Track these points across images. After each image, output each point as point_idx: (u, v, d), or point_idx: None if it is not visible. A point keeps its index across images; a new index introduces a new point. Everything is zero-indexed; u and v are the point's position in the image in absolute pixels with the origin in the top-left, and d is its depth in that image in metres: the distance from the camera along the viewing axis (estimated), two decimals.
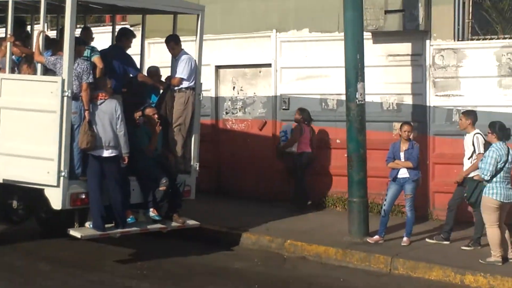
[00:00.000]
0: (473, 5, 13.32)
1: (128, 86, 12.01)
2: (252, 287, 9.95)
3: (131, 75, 12.02)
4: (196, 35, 12.07)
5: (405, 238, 11.69)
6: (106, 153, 10.70)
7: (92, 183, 10.66)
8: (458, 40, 13.26)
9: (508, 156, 10.57)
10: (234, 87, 15.59)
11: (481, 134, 11.35)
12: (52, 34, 13.63)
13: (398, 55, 13.72)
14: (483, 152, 11.04)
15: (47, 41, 11.33)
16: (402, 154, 11.68)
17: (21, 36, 12.20)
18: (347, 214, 12.14)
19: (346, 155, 12.15)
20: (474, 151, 11.36)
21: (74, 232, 10.80)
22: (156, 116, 11.54)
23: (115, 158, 10.78)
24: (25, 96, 10.83)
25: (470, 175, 11.29)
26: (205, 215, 12.67)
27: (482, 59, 13.01)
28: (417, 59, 13.53)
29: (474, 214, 11.49)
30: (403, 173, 11.66)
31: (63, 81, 10.44)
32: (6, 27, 11.33)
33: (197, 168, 12.10)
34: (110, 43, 12.76)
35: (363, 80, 11.87)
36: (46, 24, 12.31)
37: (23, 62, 11.46)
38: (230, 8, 15.34)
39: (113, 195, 10.79)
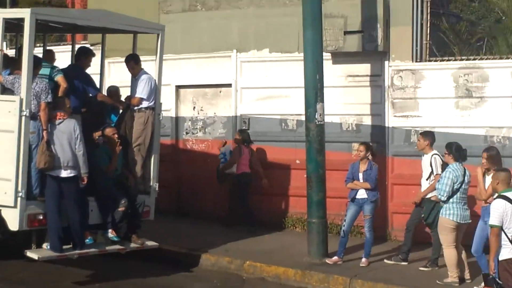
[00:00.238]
0: (430, 26, 13.46)
1: (88, 105, 11.96)
2: None
3: (90, 95, 11.98)
4: (156, 55, 12.06)
5: (363, 259, 11.73)
6: (65, 174, 10.63)
7: (50, 204, 10.57)
8: (416, 61, 13.39)
9: (464, 177, 10.68)
10: (194, 107, 15.57)
11: (438, 155, 11.46)
12: (11, 53, 13.53)
13: (357, 75, 13.80)
14: (440, 173, 11.14)
15: (6, 60, 11.23)
16: (360, 175, 11.74)
17: None
18: (306, 235, 12.16)
19: (305, 175, 12.20)
20: (432, 172, 11.45)
21: (31, 254, 10.70)
22: (116, 136, 11.49)
23: (73, 178, 10.70)
24: None
25: (428, 196, 11.38)
26: (165, 235, 12.62)
27: (440, 80, 13.15)
28: (376, 80, 13.63)
29: (431, 235, 11.57)
30: (362, 194, 11.71)
31: (21, 100, 10.38)
32: None
33: (157, 189, 12.07)
34: (70, 62, 12.70)
35: (322, 101, 11.94)
36: (4, 43, 12.21)
37: None
38: (190, 28, 15.34)
39: (71, 215, 10.71)
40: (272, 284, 11.35)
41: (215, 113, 15.34)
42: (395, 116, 13.47)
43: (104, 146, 11.50)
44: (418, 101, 13.32)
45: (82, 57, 12.09)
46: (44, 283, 10.88)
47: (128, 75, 12.22)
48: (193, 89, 15.53)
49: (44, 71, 11.26)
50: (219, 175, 14.54)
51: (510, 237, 8.47)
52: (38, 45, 12.13)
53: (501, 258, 8.59)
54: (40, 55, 11.72)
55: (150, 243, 11.71)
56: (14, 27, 11.63)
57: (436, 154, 11.51)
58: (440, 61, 13.33)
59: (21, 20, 10.60)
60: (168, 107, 15.03)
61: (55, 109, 10.74)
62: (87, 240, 10.90)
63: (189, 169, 15.45)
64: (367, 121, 13.73)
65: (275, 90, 14.55)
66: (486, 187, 10.23)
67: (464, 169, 10.76)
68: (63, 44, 16.08)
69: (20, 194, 10.37)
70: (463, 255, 10.86)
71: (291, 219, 14.36)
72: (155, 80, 12.00)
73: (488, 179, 10.14)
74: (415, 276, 11.14)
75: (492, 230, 8.66)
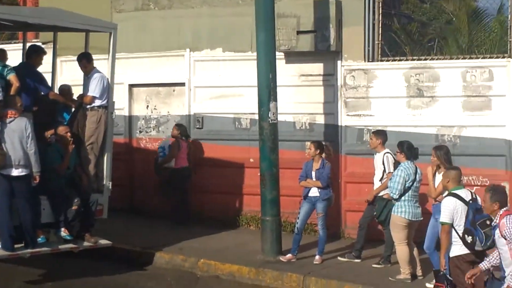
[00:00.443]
0: (382, 27, 13.59)
1: (39, 104, 11.86)
2: None
3: (42, 93, 11.87)
4: (109, 53, 11.99)
5: (317, 257, 11.81)
6: (16, 172, 10.52)
7: (1, 202, 10.46)
8: (368, 61, 13.51)
9: (416, 175, 10.82)
10: (147, 106, 15.52)
11: (391, 154, 11.58)
12: None
13: (310, 75, 13.88)
14: (393, 171, 11.26)
15: None
16: (313, 173, 11.81)
17: None
18: (260, 233, 12.21)
19: (259, 174, 12.24)
20: (384, 170, 11.57)
21: None
22: (68, 134, 11.40)
23: (25, 177, 10.59)
24: None
25: (380, 194, 11.49)
26: (118, 234, 12.54)
27: (392, 79, 13.29)
28: (329, 79, 13.72)
29: (384, 232, 11.68)
30: (314, 192, 11.78)
31: None
32: None
33: (110, 187, 12.01)
34: (21, 61, 12.57)
35: (275, 100, 12.00)
36: None
37: None
38: (143, 27, 15.29)
39: (23, 214, 10.61)
40: (226, 282, 11.37)
41: (168, 112, 15.31)
42: (347, 115, 13.57)
43: (57, 145, 11.42)
44: (371, 100, 13.44)
45: (33, 55, 11.98)
46: None
47: (80, 74, 12.15)
48: (147, 88, 15.48)
49: None
50: (156, 168, 14.58)
51: (460, 234, 8.60)
52: None
53: (451, 254, 8.72)
54: None
55: (103, 241, 11.65)
56: None
57: (388, 152, 11.63)
58: (392, 61, 13.47)
59: None
60: (121, 106, 14.96)
61: (6, 107, 10.63)
62: (40, 239, 10.81)
63: (143, 167, 15.39)
64: (320, 120, 13.80)
65: (229, 89, 14.57)
66: (436, 185, 10.38)
67: (416, 168, 10.90)
68: (14, 42, 15.92)
69: None
70: (415, 252, 10.99)
71: (245, 217, 14.39)
72: (107, 78, 11.93)
73: (439, 177, 10.28)
74: (368, 273, 11.23)
75: (442, 227, 8.80)
